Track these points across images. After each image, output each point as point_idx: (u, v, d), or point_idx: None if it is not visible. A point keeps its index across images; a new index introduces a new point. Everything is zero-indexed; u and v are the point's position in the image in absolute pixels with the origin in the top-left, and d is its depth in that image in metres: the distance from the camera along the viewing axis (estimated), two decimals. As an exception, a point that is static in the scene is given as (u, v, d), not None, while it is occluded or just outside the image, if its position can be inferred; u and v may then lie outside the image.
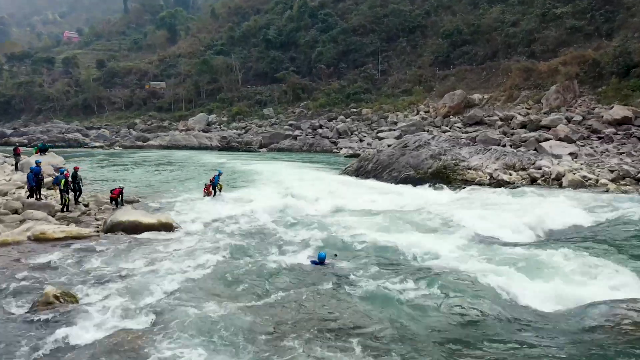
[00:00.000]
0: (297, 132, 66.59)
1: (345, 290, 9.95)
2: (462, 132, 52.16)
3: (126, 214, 15.55)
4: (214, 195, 21.47)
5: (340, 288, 10.10)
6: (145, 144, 66.71)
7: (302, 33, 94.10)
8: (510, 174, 23.84)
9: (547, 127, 44.75)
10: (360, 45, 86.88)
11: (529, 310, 9.30)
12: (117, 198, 18.49)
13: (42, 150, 25.59)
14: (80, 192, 18.52)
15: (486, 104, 59.53)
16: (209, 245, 13.79)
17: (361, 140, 60.20)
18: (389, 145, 49.79)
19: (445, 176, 24.09)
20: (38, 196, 17.74)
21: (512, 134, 47.74)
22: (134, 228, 14.85)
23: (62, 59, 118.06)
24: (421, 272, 11.04)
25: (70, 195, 17.68)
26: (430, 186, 23.49)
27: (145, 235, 14.63)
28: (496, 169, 24.12)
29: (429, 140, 28.47)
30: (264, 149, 62.37)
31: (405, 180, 24.70)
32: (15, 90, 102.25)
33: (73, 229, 14.63)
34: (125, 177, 28.79)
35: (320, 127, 68.31)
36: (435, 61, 76.67)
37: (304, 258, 12.60)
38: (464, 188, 22.55)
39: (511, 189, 21.49)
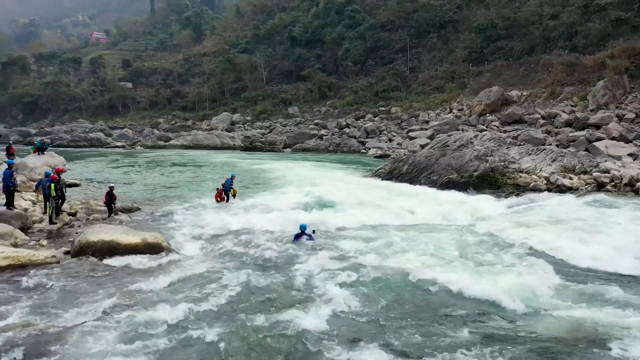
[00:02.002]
0: (323, 132, 63.90)
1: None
2: (500, 132, 48.52)
3: (100, 232, 12.10)
4: (227, 201, 18.89)
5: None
6: (167, 143, 65.10)
7: (328, 30, 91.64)
8: (571, 178, 20.53)
9: (596, 126, 40.87)
10: (388, 42, 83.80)
11: None
12: (109, 204, 15.74)
13: (40, 149, 23.47)
14: (64, 200, 15.66)
15: (525, 101, 55.58)
16: (204, 280, 10.27)
17: (390, 140, 57.09)
18: (421, 146, 46.68)
19: (494, 180, 20.92)
20: (9, 205, 14.59)
21: (556, 133, 44.00)
22: (110, 250, 11.62)
23: (89, 60, 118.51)
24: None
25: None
26: (476, 192, 20.33)
27: (124, 260, 11.44)
28: (553, 172, 20.85)
29: (471, 139, 25.33)
30: (288, 149, 59.91)
31: (446, 185, 21.62)
32: (43, 90, 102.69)
33: (23, 253, 10.95)
34: (133, 179, 26.59)
35: (347, 126, 65.46)
36: (469, 57, 72.88)
37: (327, 315, 8.45)
38: (517, 194, 19.37)
39: (578, 195, 18.14)
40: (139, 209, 17.30)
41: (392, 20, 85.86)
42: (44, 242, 12.84)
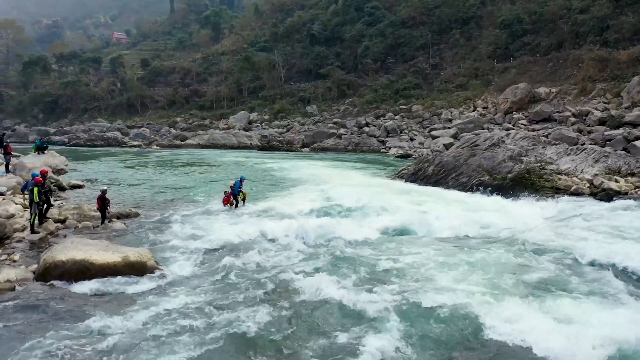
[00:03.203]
0: (341, 131, 62.24)
1: None
2: (529, 130, 46.20)
3: (72, 248, 9.91)
4: (236, 206, 17.36)
5: None
6: (183, 142, 64.22)
7: (348, 27, 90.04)
8: (617, 181, 18.51)
9: (633, 124, 38.48)
10: (409, 39, 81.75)
11: None
12: (102, 209, 14.09)
13: (40, 148, 22.28)
14: (49, 205, 13.89)
15: (554, 99, 53.01)
16: (191, 318, 8.12)
17: (412, 139, 55.14)
18: (444, 145, 44.75)
19: (530, 183, 19.00)
20: None
21: (589, 132, 41.66)
22: (82, 272, 9.48)
23: (109, 60, 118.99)
24: None
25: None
26: (511, 195, 18.44)
27: (97, 284, 9.40)
28: (596, 174, 18.86)
29: (502, 137, 23.40)
30: (306, 149, 58.42)
31: (477, 188, 19.80)
32: (63, 90, 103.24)
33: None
34: (140, 180, 25.19)
35: (367, 125, 63.67)
36: (493, 53, 70.41)
37: None
38: (556, 199, 17.45)
39: (636, 199, 16.03)
40: (138, 214, 15.74)
41: (413, 16, 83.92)
42: (16, 257, 10.89)
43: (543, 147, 22.22)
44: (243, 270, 10.63)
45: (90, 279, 9.46)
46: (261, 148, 59.64)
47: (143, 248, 10.91)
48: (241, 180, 17.73)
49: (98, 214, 14.28)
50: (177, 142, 64.90)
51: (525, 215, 15.44)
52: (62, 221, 13.90)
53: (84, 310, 8.45)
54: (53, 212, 14.03)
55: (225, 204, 17.29)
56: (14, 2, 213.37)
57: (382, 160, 43.46)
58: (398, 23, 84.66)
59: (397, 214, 15.31)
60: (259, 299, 9.03)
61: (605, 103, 47.32)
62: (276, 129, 71.72)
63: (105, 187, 14.83)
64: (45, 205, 13.53)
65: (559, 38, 64.33)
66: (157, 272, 10.17)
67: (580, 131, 41.81)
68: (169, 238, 12.94)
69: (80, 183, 21.58)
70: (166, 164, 36.44)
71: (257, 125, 76.37)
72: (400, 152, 48.79)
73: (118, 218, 14.73)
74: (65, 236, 12.77)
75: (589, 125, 43.51)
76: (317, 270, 10.52)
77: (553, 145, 22.71)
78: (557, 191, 18.33)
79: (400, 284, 9.57)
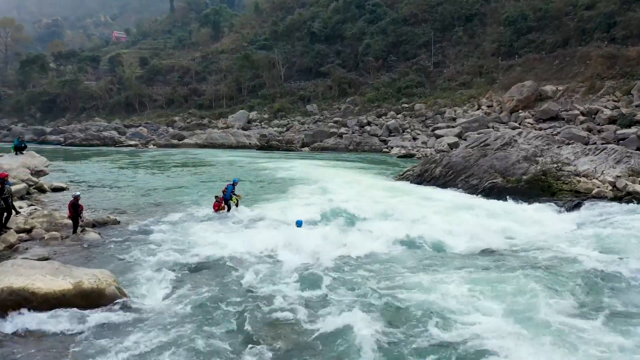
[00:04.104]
0: (342, 130, 60.76)
1: None
2: (535, 129, 44.74)
3: (11, 273, 7.92)
4: (228, 210, 15.90)
5: None
6: (180, 142, 62.78)
7: (349, 25, 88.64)
8: (641, 183, 17.06)
9: (645, 123, 37.09)
10: (411, 36, 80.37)
11: None
12: (74, 217, 12.50)
13: (18, 148, 20.79)
14: (9, 214, 12.12)
15: (561, 97, 51.58)
16: None
17: (415, 139, 53.67)
18: (449, 144, 43.32)
19: (547, 185, 17.51)
20: None
21: (599, 131, 40.25)
22: (20, 304, 7.52)
23: (108, 58, 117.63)
24: None
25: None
26: (527, 199, 16.95)
27: (38, 319, 7.44)
28: (619, 176, 17.41)
29: (514, 137, 21.94)
30: (306, 148, 56.99)
31: (490, 191, 18.33)
32: (61, 89, 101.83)
33: None
34: (127, 182, 23.62)
35: (369, 124, 62.22)
36: (497, 51, 68.97)
37: None
38: (578, 203, 15.97)
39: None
40: (118, 222, 14.08)
41: (415, 13, 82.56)
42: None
43: (558, 147, 20.77)
44: (226, 297, 8.82)
45: (31, 311, 7.47)
46: (260, 147, 58.21)
47: (104, 270, 8.86)
48: (234, 184, 16.23)
49: (70, 221, 12.74)
50: (175, 141, 63.49)
51: (549, 222, 13.92)
52: (29, 230, 12.22)
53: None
54: (18, 221, 12.45)
55: (215, 210, 15.81)
56: (14, 2, 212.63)
57: (384, 160, 42.01)
58: (400, 20, 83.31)
59: (406, 221, 13.68)
60: (243, 339, 7.27)
61: (614, 101, 45.91)
62: (276, 128, 70.31)
63: (79, 193, 13.22)
64: (6, 214, 11.90)
65: (564, 35, 62.95)
66: (118, 302, 8.23)
67: (590, 130, 40.40)
68: (144, 253, 11.09)
69: (64, 185, 20.12)
70: (159, 164, 34.95)
71: (257, 125, 74.97)
72: (403, 151, 47.36)
73: (94, 226, 13.15)
74: (27, 249, 11.05)
75: (598, 124, 42.12)
76: (315, 297, 8.88)
77: (569, 144, 21.30)
78: (577, 195, 16.85)
79: (418, 317, 7.82)
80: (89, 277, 8.24)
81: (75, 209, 12.49)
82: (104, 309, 8.00)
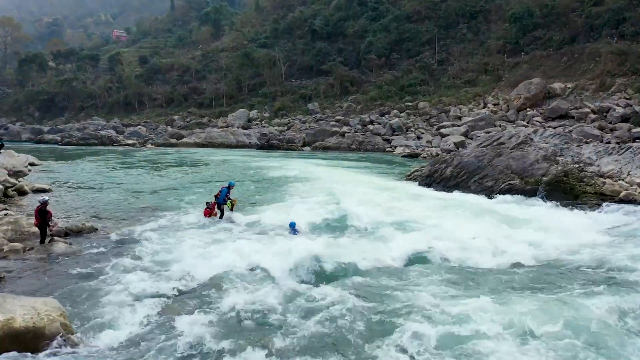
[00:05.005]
0: (344, 129, 59.34)
1: None
2: (544, 128, 43.29)
3: None
4: (221, 216, 14.49)
5: None
6: (179, 141, 61.46)
7: (351, 22, 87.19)
8: (672, 185, 15.68)
9: (659, 120, 35.62)
10: (414, 33, 78.88)
11: None
12: (42, 225, 11.00)
13: (-5, 147, 19.46)
14: None
15: (571, 94, 50.04)
16: None
17: (419, 138, 52.26)
18: (455, 143, 41.87)
19: (569, 187, 16.10)
20: None
21: (612, 129, 38.79)
22: None
23: (108, 57, 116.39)
24: None
25: None
26: (548, 202, 15.53)
27: None
28: (647, 177, 16.04)
29: (530, 135, 20.54)
30: (307, 148, 55.61)
31: (506, 193, 16.92)
32: (59, 88, 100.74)
33: None
34: (115, 183, 22.24)
35: (371, 122, 60.80)
36: (503, 48, 67.48)
37: None
38: (603, 207, 14.58)
39: None
40: (95, 229, 12.60)
41: (419, 10, 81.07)
42: None
43: (578, 146, 19.37)
44: (207, 333, 6.93)
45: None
46: (260, 147, 56.86)
47: (52, 300, 6.90)
48: (229, 187, 14.76)
49: (37, 230, 11.25)
50: (173, 140, 62.20)
51: (577, 228, 12.51)
52: (-14, 240, 10.76)
53: None
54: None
55: (206, 216, 14.38)
56: (15, 1, 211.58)
57: (388, 159, 40.60)
58: (403, 17, 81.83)
59: (420, 230, 12.20)
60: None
61: (626, 99, 44.37)
62: (276, 127, 68.91)
63: (47, 198, 11.62)
64: None
65: (572, 32, 61.47)
66: (63, 343, 6.30)
67: (602, 129, 38.94)
68: (117, 271, 9.43)
69: (46, 187, 18.77)
70: (152, 165, 33.53)
71: (257, 124, 73.58)
72: (407, 151, 45.95)
73: (67, 235, 11.72)
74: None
75: (610, 122, 40.64)
76: (318, 330, 7.10)
77: (590, 143, 19.89)
78: (602, 197, 15.44)
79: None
80: (26, 312, 6.29)
81: (42, 215, 10.96)
82: (43, 354, 6.07)
